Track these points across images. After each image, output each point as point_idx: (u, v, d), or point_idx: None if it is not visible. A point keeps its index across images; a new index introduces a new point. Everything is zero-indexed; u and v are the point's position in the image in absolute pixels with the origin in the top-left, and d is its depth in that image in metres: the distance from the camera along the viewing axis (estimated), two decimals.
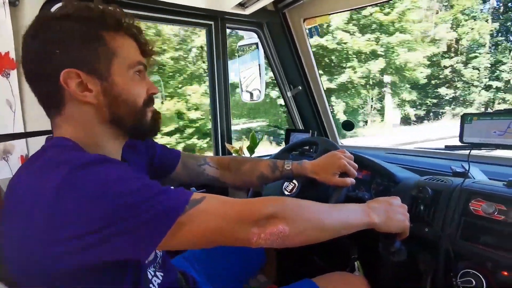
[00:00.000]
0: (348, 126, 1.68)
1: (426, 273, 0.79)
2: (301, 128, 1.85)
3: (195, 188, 1.37)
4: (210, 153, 1.84)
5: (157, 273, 0.67)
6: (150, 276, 0.64)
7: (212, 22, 1.46)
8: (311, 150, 1.60)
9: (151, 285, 0.63)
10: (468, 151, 0.83)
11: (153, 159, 0.82)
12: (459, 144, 0.80)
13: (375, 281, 0.88)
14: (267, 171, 0.92)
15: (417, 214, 0.84)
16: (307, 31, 1.61)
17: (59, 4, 0.99)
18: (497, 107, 11.44)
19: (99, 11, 0.55)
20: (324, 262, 1.31)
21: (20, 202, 0.46)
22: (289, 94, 1.76)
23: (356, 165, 0.84)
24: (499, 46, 12.16)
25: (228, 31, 1.53)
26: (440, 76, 11.83)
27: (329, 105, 1.74)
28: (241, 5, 1.38)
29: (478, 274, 0.71)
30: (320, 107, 1.74)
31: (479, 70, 11.59)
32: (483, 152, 1.15)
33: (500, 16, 12.71)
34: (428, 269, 0.79)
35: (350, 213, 0.65)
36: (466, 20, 11.81)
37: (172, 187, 0.52)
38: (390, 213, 0.69)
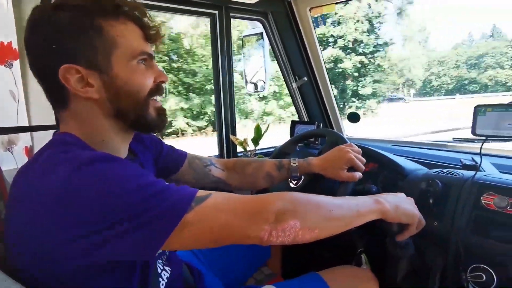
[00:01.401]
0: (354, 118, 1.66)
1: (435, 267, 0.78)
2: (306, 119, 1.83)
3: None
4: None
5: (166, 267, 0.66)
6: (159, 270, 0.63)
7: (216, 11, 1.43)
8: (316, 142, 1.58)
9: (160, 279, 0.62)
10: (480, 143, 0.81)
11: (159, 157, 0.81)
12: (471, 136, 0.78)
13: (382, 275, 0.87)
14: (273, 171, 0.90)
15: (426, 208, 0.82)
16: (313, 20, 1.58)
17: None
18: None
19: None
20: (329, 255, 1.31)
21: (24, 200, 0.45)
22: (294, 85, 1.74)
23: (364, 160, 0.83)
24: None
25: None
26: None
27: None
28: None
29: (488, 268, 0.70)
30: (326, 99, 1.72)
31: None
32: (493, 145, 1.13)
33: None
34: (437, 264, 0.78)
35: (359, 202, 0.63)
36: None
37: (175, 185, 0.50)
38: (399, 203, 0.68)
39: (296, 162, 0.89)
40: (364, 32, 12.03)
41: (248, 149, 1.54)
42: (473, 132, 0.77)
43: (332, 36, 11.55)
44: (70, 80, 0.50)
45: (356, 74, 12.02)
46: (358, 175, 0.80)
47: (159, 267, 0.64)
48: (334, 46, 11.89)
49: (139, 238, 0.43)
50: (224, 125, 1.56)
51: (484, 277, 0.69)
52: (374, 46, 12.36)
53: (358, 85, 11.96)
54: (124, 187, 0.44)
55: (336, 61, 11.78)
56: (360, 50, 12.12)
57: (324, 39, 11.53)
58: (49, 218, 0.42)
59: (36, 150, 0.97)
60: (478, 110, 0.76)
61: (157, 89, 0.59)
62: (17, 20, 0.90)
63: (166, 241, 0.45)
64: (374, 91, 11.99)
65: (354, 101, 11.48)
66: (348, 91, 11.17)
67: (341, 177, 0.81)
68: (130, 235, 0.42)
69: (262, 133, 1.54)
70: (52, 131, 0.60)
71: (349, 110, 10.74)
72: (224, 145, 1.58)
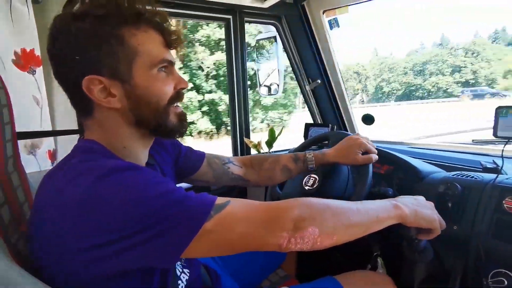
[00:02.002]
0: (368, 120, 1.64)
1: (455, 272, 0.76)
2: (319, 122, 1.82)
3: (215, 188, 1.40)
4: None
5: (185, 270, 0.67)
6: (178, 273, 0.64)
7: (230, 16, 1.45)
8: (329, 145, 1.57)
9: (179, 282, 0.63)
10: (501, 145, 0.79)
11: (178, 158, 0.82)
12: (492, 138, 0.76)
13: (398, 279, 0.86)
14: (290, 163, 0.92)
15: (444, 212, 0.81)
16: (327, 23, 1.58)
17: None
18: None
19: (116, 5, 0.51)
20: (344, 258, 1.30)
21: (49, 203, 0.47)
22: (307, 87, 1.73)
23: (374, 145, 0.87)
24: None
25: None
26: None
27: None
28: None
29: (510, 274, 0.68)
30: (340, 101, 1.71)
31: None
32: None
33: None
34: (456, 268, 0.76)
35: (378, 207, 0.62)
36: None
37: (194, 193, 0.50)
38: (418, 207, 0.66)
39: (311, 153, 0.91)
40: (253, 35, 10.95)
41: (261, 151, 1.55)
42: (495, 134, 0.75)
43: (220, 39, 9.96)
44: (94, 90, 0.51)
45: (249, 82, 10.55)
46: (374, 157, 0.83)
47: (178, 270, 0.64)
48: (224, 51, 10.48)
49: (159, 246, 0.44)
50: (238, 128, 1.58)
51: (506, 282, 0.68)
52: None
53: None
54: (144, 195, 0.44)
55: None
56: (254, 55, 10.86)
57: (212, 42, 10.22)
58: (71, 223, 0.43)
59: (59, 153, 1.01)
60: (500, 111, 0.74)
61: (178, 96, 0.60)
62: (41, 27, 0.94)
63: (185, 250, 0.45)
64: (276, 100, 10.71)
65: (258, 112, 10.45)
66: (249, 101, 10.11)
67: (358, 161, 0.84)
68: (150, 244, 0.43)
69: (276, 136, 1.54)
70: (75, 136, 0.62)
71: (254, 122, 10.08)
72: (238, 147, 1.60)
